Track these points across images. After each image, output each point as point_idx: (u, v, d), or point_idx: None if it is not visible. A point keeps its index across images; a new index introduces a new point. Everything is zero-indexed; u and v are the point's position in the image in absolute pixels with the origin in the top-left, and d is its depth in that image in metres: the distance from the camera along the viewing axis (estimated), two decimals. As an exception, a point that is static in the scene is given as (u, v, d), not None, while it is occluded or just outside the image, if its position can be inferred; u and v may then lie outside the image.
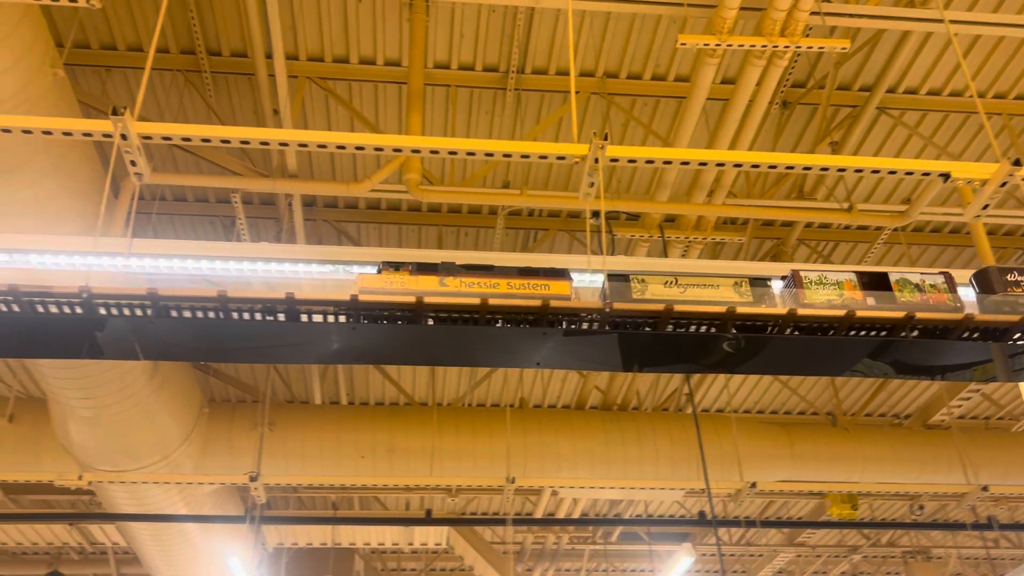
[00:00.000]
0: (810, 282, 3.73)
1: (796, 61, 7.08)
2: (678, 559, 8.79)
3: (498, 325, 3.37)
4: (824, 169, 3.91)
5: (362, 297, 3.19)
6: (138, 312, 3.04)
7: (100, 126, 3.39)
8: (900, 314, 3.54)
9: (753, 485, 8.27)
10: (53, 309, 3.05)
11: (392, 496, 12.31)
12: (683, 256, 7.57)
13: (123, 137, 3.35)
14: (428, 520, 8.88)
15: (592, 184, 3.60)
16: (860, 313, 3.51)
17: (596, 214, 7.07)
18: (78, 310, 3.03)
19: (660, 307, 3.38)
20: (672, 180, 6.89)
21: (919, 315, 3.55)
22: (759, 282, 3.69)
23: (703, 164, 3.63)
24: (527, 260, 4.12)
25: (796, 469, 9.01)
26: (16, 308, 3.02)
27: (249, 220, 7.84)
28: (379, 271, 3.37)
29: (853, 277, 3.76)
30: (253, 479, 6.72)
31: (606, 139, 3.46)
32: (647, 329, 3.39)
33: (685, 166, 3.68)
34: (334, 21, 6.75)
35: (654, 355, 3.63)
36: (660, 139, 7.46)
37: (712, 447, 8.65)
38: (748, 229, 8.06)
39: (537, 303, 3.36)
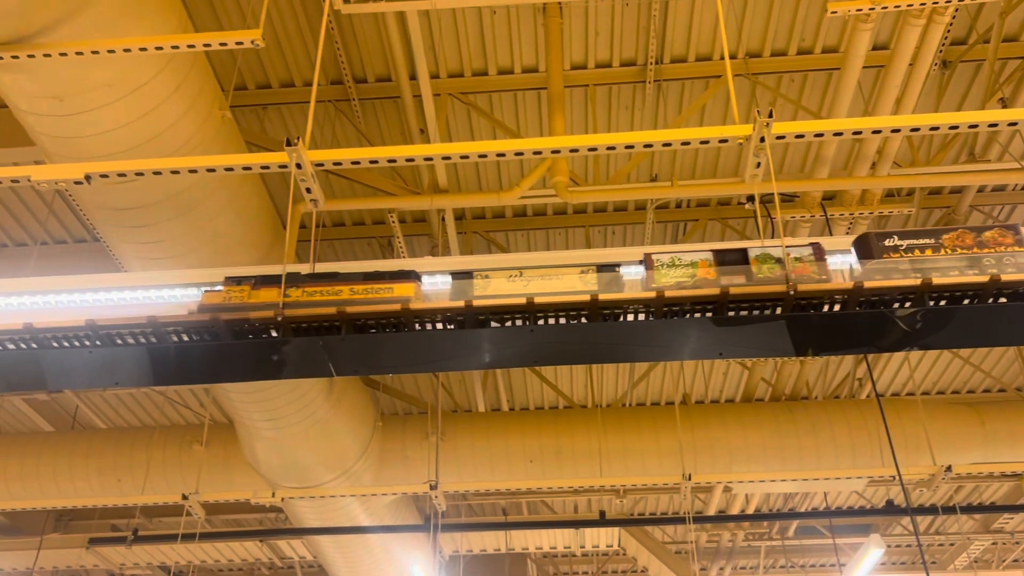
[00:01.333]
0: (661, 264, 3.61)
1: (955, 16, 6.64)
2: (867, 551, 8.37)
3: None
4: (993, 125, 3.62)
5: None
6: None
7: (276, 158, 3.57)
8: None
9: (948, 469, 7.78)
10: (249, 335, 3.24)
11: (559, 500, 12.36)
12: (848, 233, 7.24)
13: (298, 166, 3.52)
14: (602, 521, 8.86)
15: (759, 164, 3.49)
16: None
17: (750, 199, 6.87)
18: (274, 333, 3.20)
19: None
20: (830, 155, 6.61)
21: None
22: (607, 268, 3.59)
23: (876, 132, 3.44)
24: (384, 265, 4.03)
25: (990, 450, 8.42)
26: (218, 335, 3.22)
27: (404, 238, 8.10)
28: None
29: (710, 256, 3.61)
30: (433, 487, 6.91)
31: (771, 116, 3.34)
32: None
33: (845, 137, 3.50)
34: (471, 36, 6.87)
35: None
36: (811, 114, 7.17)
37: (895, 431, 8.21)
38: (915, 199, 7.62)
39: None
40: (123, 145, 4.82)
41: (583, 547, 12.37)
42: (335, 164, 3.62)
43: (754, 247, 3.55)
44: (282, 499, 7.41)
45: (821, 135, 3.41)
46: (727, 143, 3.51)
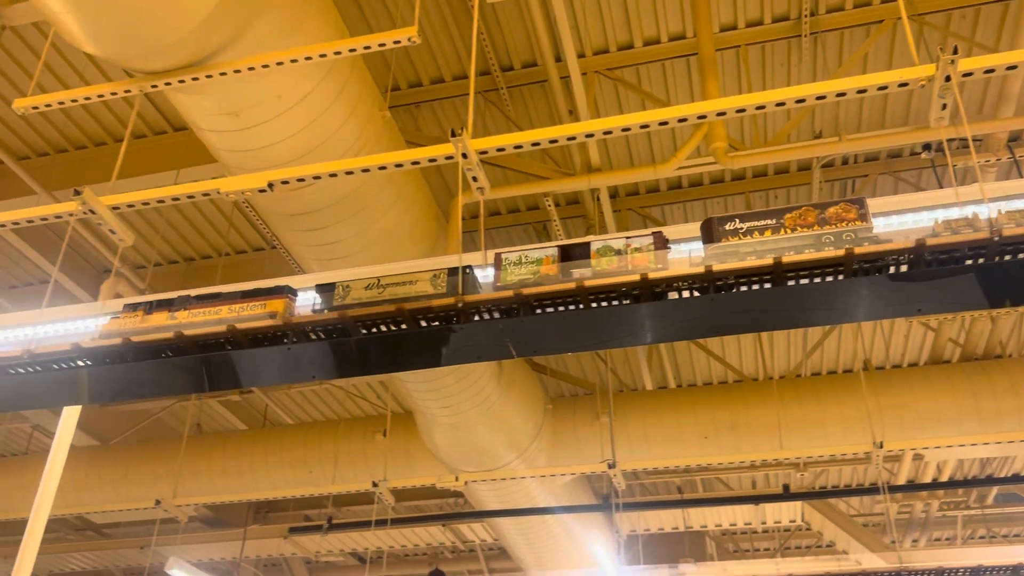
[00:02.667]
0: (509, 263, 3.57)
1: None
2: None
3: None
4: None
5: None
6: (495, 315, 3.23)
7: (442, 150, 3.65)
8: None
9: None
10: (431, 323, 3.34)
11: (735, 476, 12.09)
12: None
13: (464, 155, 3.59)
14: (786, 495, 8.59)
15: (944, 107, 3.25)
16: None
17: (927, 147, 6.44)
18: (456, 321, 3.29)
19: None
20: (1016, 92, 6.10)
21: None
22: (456, 271, 3.56)
23: (1079, 56, 3.13)
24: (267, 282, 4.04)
25: None
26: (403, 326, 3.34)
27: (560, 220, 8.12)
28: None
29: (555, 252, 3.54)
30: (611, 466, 6.92)
31: (955, 52, 3.11)
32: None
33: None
34: (614, 10, 6.78)
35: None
36: (987, 51, 6.64)
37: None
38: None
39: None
40: (295, 153, 5.07)
41: (764, 523, 12.06)
42: (498, 150, 3.66)
43: (596, 240, 3.50)
44: (465, 483, 7.63)
45: (1014, 67, 3.14)
46: (906, 87, 3.30)
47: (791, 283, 3.02)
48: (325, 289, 3.67)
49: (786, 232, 3.26)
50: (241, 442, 9.47)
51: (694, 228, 3.62)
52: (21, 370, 3.72)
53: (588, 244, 3.50)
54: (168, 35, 4.05)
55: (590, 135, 3.57)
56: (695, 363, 10.43)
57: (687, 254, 3.41)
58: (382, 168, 3.75)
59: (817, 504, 10.67)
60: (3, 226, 4.03)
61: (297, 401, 11.16)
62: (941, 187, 7.07)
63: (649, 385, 9.69)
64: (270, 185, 3.84)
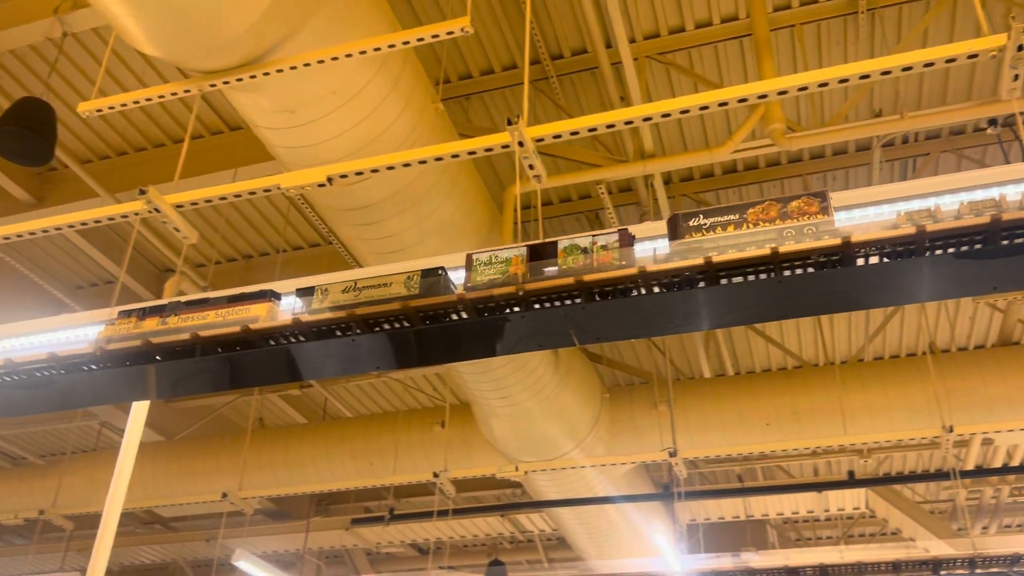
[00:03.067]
0: (480, 263, 3.63)
1: None
2: None
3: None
4: None
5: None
6: (567, 302, 3.22)
7: (498, 139, 3.65)
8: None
9: None
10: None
11: (796, 463, 11.91)
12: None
13: (520, 144, 3.57)
14: (851, 482, 8.43)
15: (1016, 78, 3.14)
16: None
17: (992, 122, 6.25)
18: (516, 309, 3.28)
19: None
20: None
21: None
22: (431, 273, 3.68)
23: None
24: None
25: None
26: (464, 315, 3.35)
27: (613, 208, 8.06)
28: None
29: (524, 251, 3.57)
30: (672, 455, 6.87)
31: (1029, 20, 3.00)
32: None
33: None
34: (665, -7, 6.70)
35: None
36: (1056, 20, 6.41)
37: None
38: None
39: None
40: (350, 148, 5.11)
41: (827, 511, 11.86)
42: (554, 137, 3.64)
43: (563, 240, 3.52)
44: (525, 472, 7.65)
45: (1093, 32, 3.02)
46: (976, 58, 3.19)
47: (860, 262, 2.95)
48: (304, 294, 3.80)
49: (748, 227, 3.27)
50: (303, 435, 9.62)
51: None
52: (93, 367, 3.82)
53: (556, 243, 3.53)
54: (225, 33, 4.10)
55: (648, 119, 3.53)
56: (753, 350, 10.28)
57: (652, 251, 3.44)
58: (439, 159, 3.76)
59: (882, 491, 10.47)
60: (72, 227, 4.13)
61: (355, 394, 11.28)
62: (1008, 163, 6.85)
63: (707, 373, 9.58)
64: (329, 179, 3.87)
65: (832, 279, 3.08)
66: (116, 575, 15.75)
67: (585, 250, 3.45)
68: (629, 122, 3.58)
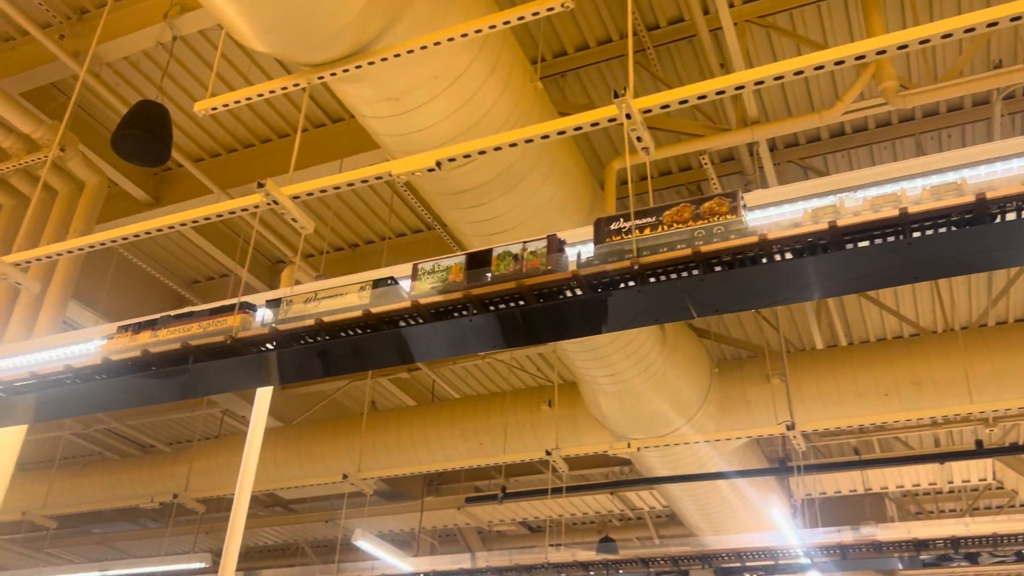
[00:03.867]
0: (424, 272, 3.84)
1: None
2: None
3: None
4: None
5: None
6: (684, 275, 3.17)
7: (605, 112, 3.61)
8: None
9: None
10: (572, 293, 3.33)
11: (915, 434, 11.49)
12: None
13: (627, 116, 3.53)
14: (978, 452, 8.08)
15: None
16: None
17: None
18: (631, 283, 3.26)
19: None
20: None
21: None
22: (381, 283, 3.91)
23: None
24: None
25: None
26: (579, 292, 3.34)
27: (718, 179, 7.90)
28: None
29: (463, 260, 3.76)
30: (790, 428, 6.72)
31: None
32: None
33: None
34: (764, -47, 6.50)
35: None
36: None
37: None
38: None
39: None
40: (453, 132, 5.16)
41: (951, 482, 11.41)
42: (662, 107, 3.59)
43: (498, 248, 3.71)
44: (638, 449, 7.62)
45: None
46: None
47: (997, 220, 2.81)
48: (272, 305, 4.08)
49: (664, 229, 3.39)
50: (414, 417, 9.83)
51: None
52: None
53: (490, 250, 3.73)
54: (330, 25, 4.19)
55: (760, 82, 3.43)
56: (867, 318, 9.95)
57: (576, 256, 3.55)
58: (545, 137, 3.76)
59: (1011, 461, 9.99)
60: (195, 222, 4.30)
61: (461, 376, 11.45)
62: None
63: (819, 344, 9.32)
64: (438, 163, 3.92)
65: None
66: (242, 556, 16.48)
67: (516, 256, 3.66)
68: (740, 87, 3.49)
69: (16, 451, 6.43)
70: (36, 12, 6.84)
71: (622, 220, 3.46)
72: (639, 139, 3.64)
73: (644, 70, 7.30)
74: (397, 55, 4.30)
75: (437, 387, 11.56)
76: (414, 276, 3.77)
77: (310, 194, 4.15)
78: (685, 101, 3.54)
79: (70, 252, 4.56)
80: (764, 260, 3.11)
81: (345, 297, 3.88)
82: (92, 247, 4.50)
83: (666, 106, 3.59)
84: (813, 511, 11.71)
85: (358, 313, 3.65)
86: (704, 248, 3.09)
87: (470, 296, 3.45)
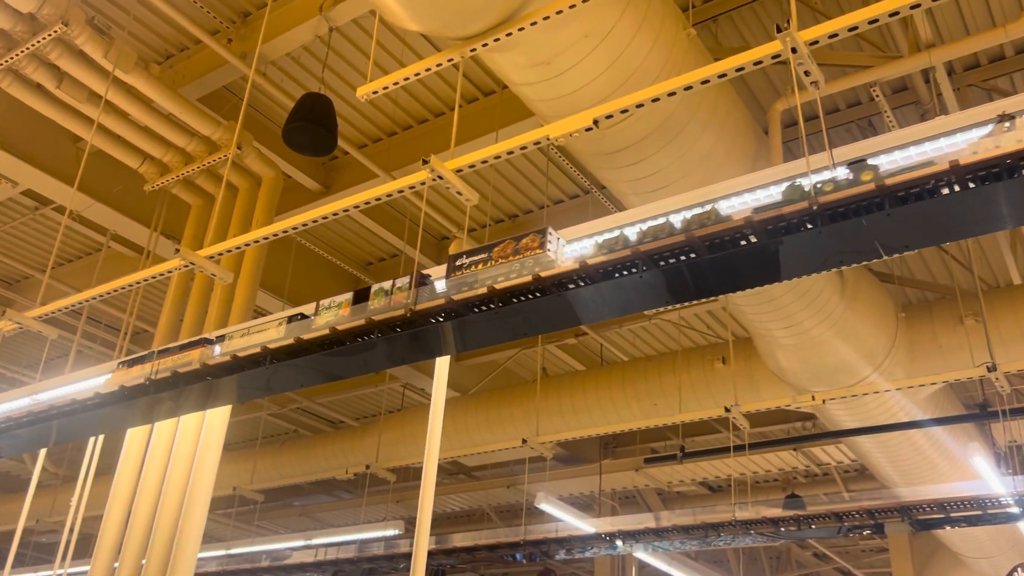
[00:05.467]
0: (324, 308, 4.57)
1: None
2: None
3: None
4: None
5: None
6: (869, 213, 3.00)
7: (768, 49, 3.45)
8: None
9: None
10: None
11: None
12: None
13: (793, 50, 3.36)
14: None
15: None
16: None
17: None
18: (810, 226, 3.11)
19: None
20: None
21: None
22: (294, 318, 4.74)
23: None
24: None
25: None
26: (754, 239, 3.22)
27: (890, 112, 7.41)
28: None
29: (350, 296, 4.45)
30: (991, 369, 6.24)
31: None
32: None
33: None
34: None
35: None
36: None
37: None
38: None
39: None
40: (606, 91, 5.08)
41: None
42: (830, 36, 3.38)
43: (375, 286, 4.43)
44: (823, 402, 7.33)
45: None
46: None
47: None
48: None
49: (492, 264, 3.98)
50: (585, 381, 9.88)
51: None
52: (399, 329, 4.16)
53: (369, 288, 4.42)
54: (479, -3, 4.21)
55: (937, -1, 3.16)
56: (1071, 247, 9.08)
57: (441, 288, 4.18)
58: (704, 82, 3.63)
59: None
60: (367, 204, 4.47)
61: (628, 339, 11.40)
62: None
63: (1016, 278, 8.61)
64: (595, 122, 3.88)
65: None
66: (431, 522, 17.20)
67: (387, 292, 4.30)
68: (915, 6, 3.23)
69: (223, 431, 6.97)
70: (205, 20, 7.28)
71: (465, 257, 4.13)
72: (807, 73, 3.45)
73: (802, 3, 6.92)
74: (546, 18, 4.27)
75: (605, 351, 11.56)
76: (316, 311, 4.63)
77: (471, 166, 4.21)
78: (855, 28, 3.32)
79: (256, 242, 4.85)
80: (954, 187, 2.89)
81: (267, 331, 4.86)
82: (275, 235, 4.77)
83: (834, 35, 3.38)
84: (1016, 460, 10.89)
85: (528, 278, 3.68)
86: (888, 182, 2.89)
87: (638, 253, 3.41)
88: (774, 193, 3.83)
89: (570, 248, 4.01)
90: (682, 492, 14.77)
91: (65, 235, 10.12)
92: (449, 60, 4.55)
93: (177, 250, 4.87)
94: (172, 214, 8.79)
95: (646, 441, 13.20)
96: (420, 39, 7.41)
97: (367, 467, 11.11)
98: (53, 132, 8.28)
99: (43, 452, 8.08)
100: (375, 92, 4.67)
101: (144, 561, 6.55)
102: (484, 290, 3.87)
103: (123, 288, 5.22)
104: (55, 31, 6.29)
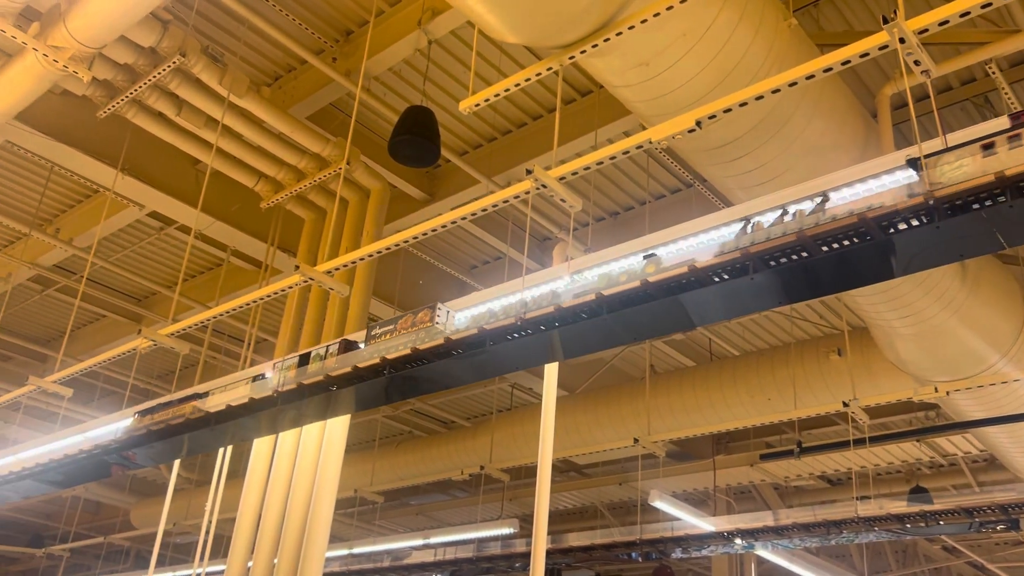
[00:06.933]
0: (317, 356, 5.50)
1: None
2: None
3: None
4: None
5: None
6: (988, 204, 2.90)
7: (875, 40, 3.37)
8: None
9: None
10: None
11: None
12: None
13: (901, 40, 3.27)
14: None
15: None
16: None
17: None
18: (924, 220, 3.03)
19: None
20: None
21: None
22: (259, 377, 5.94)
23: None
24: None
25: None
26: (869, 237, 3.16)
27: (1009, 87, 7.07)
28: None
29: (337, 347, 5.41)
30: None
31: None
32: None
33: None
34: None
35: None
36: None
37: None
38: None
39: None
40: (706, 87, 5.04)
41: None
42: (940, 24, 3.28)
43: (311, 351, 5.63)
44: (947, 393, 7.05)
45: None
46: None
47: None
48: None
49: (397, 334, 4.91)
50: (695, 378, 9.78)
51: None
52: (515, 335, 4.25)
53: (309, 352, 5.62)
54: (577, 5, 4.26)
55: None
56: None
57: (361, 350, 5.22)
58: (810, 77, 3.58)
59: None
60: (474, 215, 4.58)
61: (737, 332, 11.22)
62: None
63: None
64: (698, 123, 3.87)
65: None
66: (543, 519, 17.31)
67: (322, 357, 5.40)
68: (1033, -15, 3.10)
69: (344, 436, 7.24)
70: (310, 41, 7.56)
71: (378, 327, 5.11)
72: (917, 63, 3.36)
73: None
74: (643, 21, 4.28)
75: (714, 346, 11.41)
76: (304, 362, 5.63)
77: (574, 173, 4.26)
78: (967, 13, 3.22)
79: (370, 256, 5.03)
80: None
81: (237, 389, 5.92)
82: (388, 249, 4.94)
83: (944, 22, 3.28)
84: None
85: (636, 283, 3.71)
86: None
87: (748, 254, 3.39)
88: (886, 183, 3.74)
89: (678, 247, 4.01)
90: (800, 487, 14.42)
91: (189, 253, 10.68)
92: (549, 69, 4.61)
93: (297, 267, 5.10)
94: (287, 228, 9.17)
95: (760, 436, 12.96)
96: (518, 46, 7.50)
97: (481, 468, 11.30)
98: (174, 157, 8.77)
99: (177, 460, 8.56)
100: (477, 105, 4.78)
101: (276, 560, 6.88)
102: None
103: (248, 304, 5.50)
104: (174, 62, 6.66)
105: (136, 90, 6.93)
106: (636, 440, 9.11)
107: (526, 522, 12.40)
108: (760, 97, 3.71)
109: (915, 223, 3.07)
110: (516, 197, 4.39)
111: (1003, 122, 3.25)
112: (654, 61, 4.85)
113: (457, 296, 5.27)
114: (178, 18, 7.25)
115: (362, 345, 5.23)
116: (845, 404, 7.25)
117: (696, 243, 3.78)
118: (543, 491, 5.49)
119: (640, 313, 3.95)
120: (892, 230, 3.12)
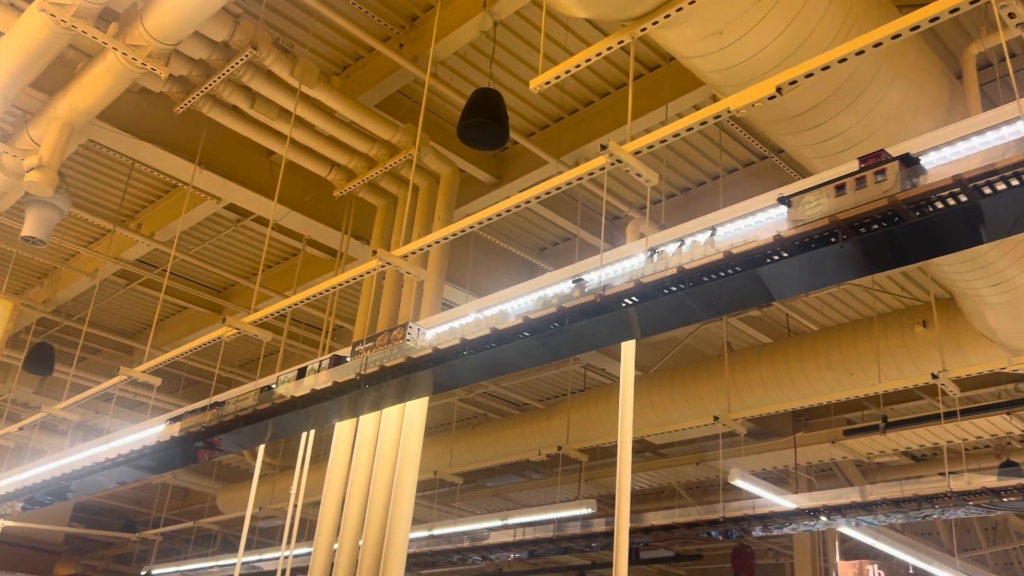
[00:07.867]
0: (281, 380, 6.44)
1: None
2: None
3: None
4: None
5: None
6: None
7: (962, -4, 3.23)
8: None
9: None
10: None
11: None
12: None
13: (997, -6, 3.13)
14: None
15: None
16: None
17: None
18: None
19: None
20: None
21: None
22: (265, 388, 6.63)
23: None
24: None
25: None
26: (964, 199, 3.04)
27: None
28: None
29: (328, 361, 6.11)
30: None
31: None
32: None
33: None
34: None
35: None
36: None
37: None
38: None
39: None
40: (782, 54, 4.91)
41: None
42: (1037, -27, 3.13)
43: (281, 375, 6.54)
44: (1038, 363, 6.80)
45: None
46: None
47: None
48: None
49: (376, 351, 5.49)
50: (774, 354, 9.61)
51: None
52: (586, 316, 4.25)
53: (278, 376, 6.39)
54: (647, -24, 4.18)
55: None
56: None
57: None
58: (896, 37, 3.45)
59: None
60: (548, 193, 4.55)
61: (815, 307, 10.97)
62: None
63: None
64: (778, 89, 3.77)
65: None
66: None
67: (315, 371, 6.05)
68: None
69: (423, 420, 7.32)
70: (376, 28, 7.61)
71: (361, 344, 5.72)
72: (1012, 15, 3.21)
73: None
74: (716, -12, 4.18)
75: (792, 321, 11.18)
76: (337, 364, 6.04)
77: (650, 147, 4.20)
78: (1067, -41, 3.05)
79: (444, 239, 5.06)
80: None
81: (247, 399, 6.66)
82: (462, 232, 4.95)
83: (1040, -30, 3.12)
84: None
85: (719, 256, 3.65)
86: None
87: (837, 222, 3.30)
88: (976, 144, 3.60)
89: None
90: (883, 463, 14.08)
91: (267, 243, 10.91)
92: (620, 42, 4.55)
93: (375, 252, 5.16)
94: (359, 216, 9.28)
95: (841, 412, 12.67)
96: (583, 22, 7.42)
97: (559, 448, 11.33)
98: (248, 149, 8.95)
99: (262, 446, 8.78)
100: (547, 83, 4.75)
101: (361, 543, 7.01)
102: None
103: (327, 291, 5.59)
104: (246, 55, 6.78)
105: (211, 84, 7.08)
106: (716, 418, 9.00)
107: (603, 502, 12.39)
108: (843, 60, 3.60)
109: (1015, 183, 2.94)
110: (591, 174, 4.36)
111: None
112: (728, 30, 4.74)
113: (527, 279, 5.26)
114: (248, 12, 7.36)
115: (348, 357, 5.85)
116: (934, 376, 7.03)
117: (776, 214, 3.69)
118: (624, 470, 5.47)
119: (722, 286, 3.89)
120: (989, 191, 2.99)
